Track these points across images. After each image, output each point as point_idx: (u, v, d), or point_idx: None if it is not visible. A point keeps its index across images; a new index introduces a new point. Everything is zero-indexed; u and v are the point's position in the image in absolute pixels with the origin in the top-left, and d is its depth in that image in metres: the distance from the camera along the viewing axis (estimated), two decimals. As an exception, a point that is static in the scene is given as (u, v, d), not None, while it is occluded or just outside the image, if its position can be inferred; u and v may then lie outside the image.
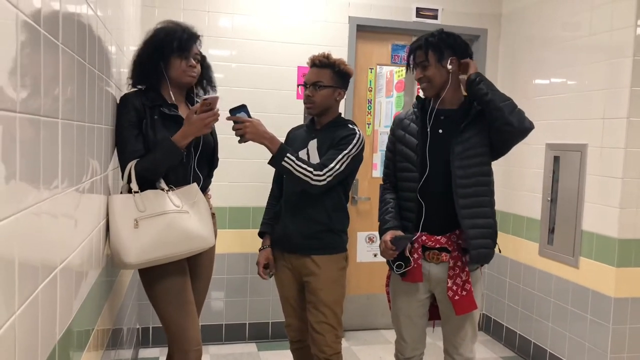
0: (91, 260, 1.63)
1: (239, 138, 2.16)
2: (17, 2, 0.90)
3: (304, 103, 2.41)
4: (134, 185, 1.94)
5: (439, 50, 2.15)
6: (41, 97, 1.06)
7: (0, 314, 0.85)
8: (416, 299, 2.25)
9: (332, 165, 2.23)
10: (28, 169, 0.98)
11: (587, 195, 3.13)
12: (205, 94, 2.31)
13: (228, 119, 2.14)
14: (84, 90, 1.48)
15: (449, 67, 2.15)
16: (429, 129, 2.19)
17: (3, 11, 0.85)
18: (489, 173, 2.20)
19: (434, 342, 3.22)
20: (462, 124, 2.14)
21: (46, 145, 1.10)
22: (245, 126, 2.13)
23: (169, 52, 2.07)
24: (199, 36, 2.17)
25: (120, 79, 2.28)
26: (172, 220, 1.94)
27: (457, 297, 2.13)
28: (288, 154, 2.19)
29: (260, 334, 3.77)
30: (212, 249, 2.27)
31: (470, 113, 2.17)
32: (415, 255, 2.16)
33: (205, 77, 2.27)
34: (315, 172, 2.20)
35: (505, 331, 3.90)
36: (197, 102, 2.28)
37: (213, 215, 2.27)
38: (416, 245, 2.17)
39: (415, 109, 2.28)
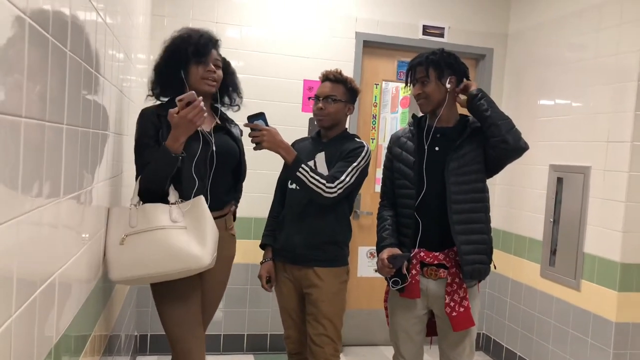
0: (90, 267, 1.63)
1: (254, 145, 2.16)
2: (25, 8, 0.91)
3: (315, 115, 2.43)
4: (134, 199, 1.90)
5: (439, 68, 2.20)
6: (47, 102, 1.07)
7: (-4, 316, 0.85)
8: (414, 315, 2.24)
9: (342, 177, 2.26)
10: (29, 174, 0.99)
11: (589, 218, 3.12)
12: (231, 102, 2.26)
13: (246, 125, 2.15)
14: (90, 97, 1.50)
15: (448, 85, 2.19)
16: (426, 147, 2.22)
17: (11, 17, 0.86)
18: (484, 189, 2.22)
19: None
20: (458, 141, 2.17)
21: (50, 151, 1.10)
22: (262, 134, 2.14)
23: (186, 58, 2.02)
24: (217, 40, 2.12)
25: (128, 86, 2.29)
26: (158, 237, 1.83)
27: (454, 314, 2.13)
28: (303, 165, 2.21)
29: (258, 345, 3.75)
30: (226, 270, 2.25)
31: (466, 131, 2.20)
32: (414, 272, 2.17)
33: (230, 84, 2.22)
34: (327, 185, 2.22)
35: (505, 352, 3.87)
36: (220, 110, 2.23)
37: (232, 236, 2.25)
38: (414, 261, 2.17)
39: (412, 127, 2.31)
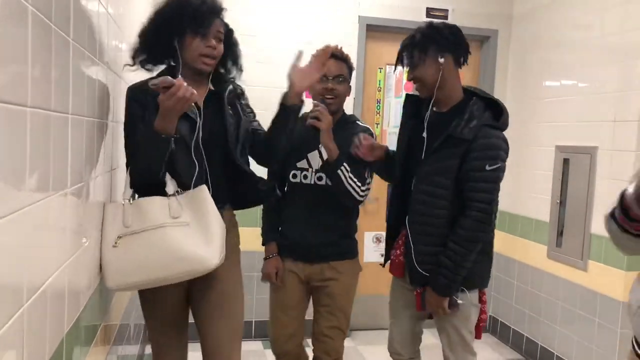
0: (98, 258, 1.63)
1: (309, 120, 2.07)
2: (29, -4, 0.90)
3: (326, 97, 2.18)
4: (126, 192, 1.66)
5: (423, 47, 2.00)
6: (52, 91, 1.06)
7: (9, 305, 0.86)
8: (404, 296, 2.21)
9: (368, 180, 2.21)
10: (27, 164, 0.99)
11: (596, 198, 3.11)
12: (229, 75, 1.94)
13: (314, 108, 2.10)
14: (94, 86, 1.49)
15: (441, 60, 1.98)
16: (424, 134, 2.07)
17: (13, 4, 0.85)
18: (448, 200, 1.99)
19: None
20: (435, 144, 1.98)
21: (37, 140, 1.10)
22: (322, 114, 2.04)
23: (182, 26, 1.68)
24: (222, 9, 1.77)
25: (129, 76, 2.28)
26: (158, 237, 1.58)
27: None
28: (345, 163, 2.09)
29: (266, 331, 3.77)
30: (232, 266, 2.02)
31: (454, 125, 1.95)
32: (398, 251, 2.15)
33: (230, 57, 1.88)
34: (362, 188, 2.14)
35: (512, 333, 3.88)
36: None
37: (234, 224, 2.00)
38: (400, 241, 2.15)
39: (405, 110, 2.25)
